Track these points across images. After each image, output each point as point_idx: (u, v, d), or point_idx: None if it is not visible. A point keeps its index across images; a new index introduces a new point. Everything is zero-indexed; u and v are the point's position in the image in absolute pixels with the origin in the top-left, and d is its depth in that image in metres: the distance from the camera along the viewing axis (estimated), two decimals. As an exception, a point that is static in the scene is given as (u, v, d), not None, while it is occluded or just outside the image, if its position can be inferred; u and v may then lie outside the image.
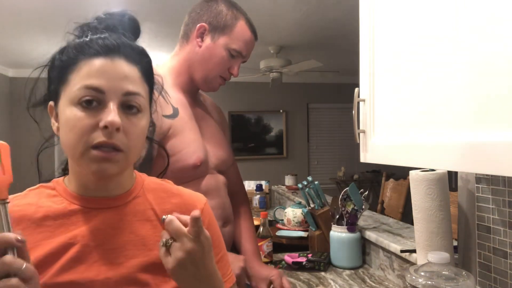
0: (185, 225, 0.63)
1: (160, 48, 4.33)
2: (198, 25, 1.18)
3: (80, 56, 0.66)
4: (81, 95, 0.64)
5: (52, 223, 0.67)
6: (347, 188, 1.55)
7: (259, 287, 1.23)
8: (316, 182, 1.73)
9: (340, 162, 6.52)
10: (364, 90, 1.00)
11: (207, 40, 1.19)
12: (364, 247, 1.57)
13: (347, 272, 1.48)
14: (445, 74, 0.71)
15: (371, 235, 1.51)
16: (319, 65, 4.31)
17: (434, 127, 0.74)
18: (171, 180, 0.83)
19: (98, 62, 0.65)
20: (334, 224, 1.55)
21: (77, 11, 3.12)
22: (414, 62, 0.81)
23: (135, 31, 0.77)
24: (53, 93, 0.69)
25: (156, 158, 1.06)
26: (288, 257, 1.51)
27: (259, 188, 2.65)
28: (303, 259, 1.48)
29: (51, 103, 0.71)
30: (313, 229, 1.69)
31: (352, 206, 1.53)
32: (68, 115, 0.65)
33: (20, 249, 0.55)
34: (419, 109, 0.79)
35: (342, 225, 1.52)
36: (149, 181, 0.79)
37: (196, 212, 0.62)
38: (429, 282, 0.84)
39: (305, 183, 1.75)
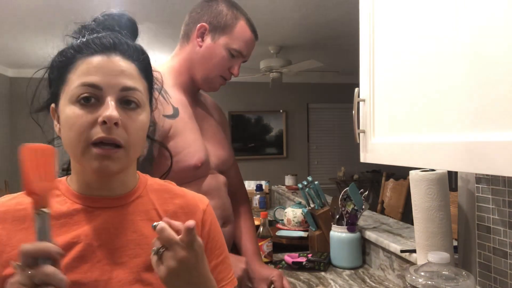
0: (178, 231, 0.62)
1: (160, 48, 4.34)
2: (199, 25, 1.18)
3: (78, 55, 0.67)
4: (79, 93, 0.64)
5: (55, 223, 0.67)
6: (347, 188, 1.55)
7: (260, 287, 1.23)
8: (316, 182, 1.73)
9: (340, 162, 6.52)
10: (364, 90, 1.00)
11: (208, 40, 1.19)
12: (364, 247, 1.57)
13: (347, 272, 1.48)
14: (445, 74, 0.71)
15: (371, 235, 1.51)
16: (319, 65, 4.31)
17: (434, 127, 0.74)
18: (171, 180, 0.83)
19: (94, 60, 0.66)
20: (334, 224, 1.55)
21: (76, 11, 3.12)
22: (414, 62, 0.81)
23: (134, 32, 0.77)
24: (54, 95, 0.70)
25: (158, 159, 1.05)
26: (288, 257, 1.51)
27: (259, 188, 2.65)
28: (303, 259, 1.48)
29: (53, 105, 0.71)
30: (313, 229, 1.69)
31: (352, 206, 1.53)
32: (67, 113, 0.65)
33: (57, 261, 0.55)
34: (419, 109, 0.79)
35: (342, 225, 1.52)
36: (152, 182, 0.79)
37: (190, 222, 0.61)
38: (429, 282, 0.85)
39: (305, 183, 1.75)
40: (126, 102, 0.67)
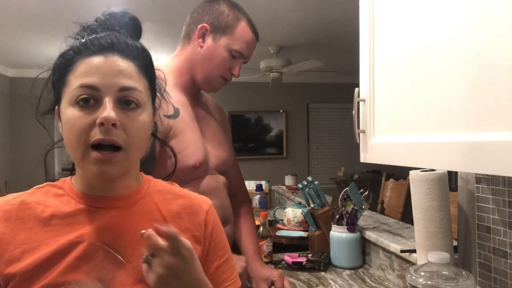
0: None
1: (160, 48, 4.33)
2: (200, 25, 1.19)
3: (77, 57, 0.67)
4: (78, 94, 0.64)
5: (59, 222, 0.67)
6: (347, 188, 1.55)
7: (260, 287, 1.23)
8: (316, 182, 1.73)
9: (340, 162, 6.52)
10: (364, 90, 1.00)
11: (209, 40, 1.19)
12: (364, 247, 1.57)
13: (347, 272, 1.48)
14: (445, 74, 0.71)
15: (371, 235, 1.51)
16: (319, 65, 4.31)
17: (434, 127, 0.74)
18: (163, 178, 0.83)
19: (92, 61, 0.66)
20: (334, 224, 1.55)
21: (77, 11, 3.12)
22: (414, 62, 0.81)
23: (137, 31, 0.77)
24: (57, 97, 0.70)
25: (162, 158, 1.05)
26: (288, 257, 1.51)
27: (259, 188, 2.65)
28: (303, 259, 1.49)
29: (57, 107, 0.71)
30: (313, 229, 1.69)
31: (352, 206, 1.53)
32: (67, 115, 0.65)
33: None
34: (419, 109, 0.79)
35: (342, 225, 1.52)
36: (156, 183, 0.79)
37: (171, 229, 0.61)
38: (429, 282, 0.85)
39: (305, 183, 1.75)
40: (125, 102, 0.66)
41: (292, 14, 3.54)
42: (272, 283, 1.23)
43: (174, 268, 0.61)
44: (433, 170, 1.09)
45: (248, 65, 1.58)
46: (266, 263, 1.50)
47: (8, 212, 0.67)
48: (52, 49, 0.71)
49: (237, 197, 1.37)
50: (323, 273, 1.46)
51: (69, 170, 0.78)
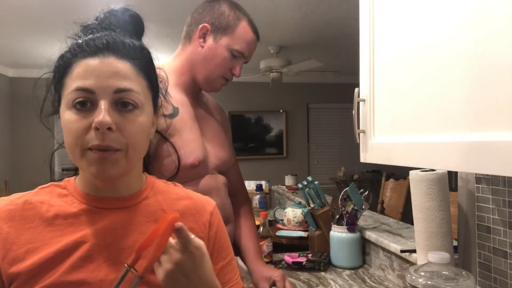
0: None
1: (160, 48, 4.34)
2: (201, 25, 1.19)
3: (73, 59, 0.67)
4: (74, 98, 0.64)
5: (63, 222, 0.67)
6: (347, 188, 1.55)
7: (261, 287, 1.23)
8: (316, 182, 1.73)
9: (340, 162, 6.52)
10: (364, 90, 1.00)
11: (209, 40, 1.19)
12: (364, 247, 1.57)
13: (347, 272, 1.48)
14: (445, 74, 0.71)
15: (371, 235, 1.51)
16: (319, 65, 4.31)
17: (434, 127, 0.74)
18: (167, 179, 0.83)
19: (87, 63, 0.65)
20: (334, 224, 1.55)
21: (77, 11, 3.11)
22: (414, 62, 0.81)
23: (138, 28, 0.76)
24: (58, 100, 0.70)
25: (161, 157, 1.05)
26: (288, 257, 1.51)
27: (259, 188, 2.65)
28: (303, 259, 1.49)
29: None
30: (313, 229, 1.69)
31: (352, 206, 1.53)
32: (65, 118, 0.65)
33: None
34: (419, 109, 0.79)
35: (342, 225, 1.52)
36: (159, 183, 0.79)
37: (178, 224, 0.61)
38: (429, 282, 0.85)
39: (305, 183, 1.75)
40: (122, 104, 0.65)
41: (292, 14, 3.55)
42: (274, 283, 1.23)
43: (181, 265, 0.61)
44: (433, 170, 1.09)
45: (248, 65, 1.59)
46: (266, 263, 1.50)
47: (12, 211, 0.67)
48: (52, 49, 0.71)
49: (237, 197, 1.37)
50: (323, 273, 1.46)
51: (73, 170, 0.78)
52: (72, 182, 0.73)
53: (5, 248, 0.64)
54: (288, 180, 3.12)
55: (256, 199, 2.61)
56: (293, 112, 6.62)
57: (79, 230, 0.67)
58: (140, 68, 0.69)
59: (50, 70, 0.71)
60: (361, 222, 1.68)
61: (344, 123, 6.64)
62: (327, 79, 6.37)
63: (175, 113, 1.13)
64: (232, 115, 6.24)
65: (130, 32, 0.73)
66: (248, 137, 6.43)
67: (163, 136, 1.01)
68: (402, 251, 1.28)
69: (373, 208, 2.70)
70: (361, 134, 1.01)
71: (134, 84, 0.67)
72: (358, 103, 1.01)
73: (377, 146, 0.95)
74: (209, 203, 0.80)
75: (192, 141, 1.14)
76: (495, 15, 0.59)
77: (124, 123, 0.65)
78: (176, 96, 1.15)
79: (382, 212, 3.23)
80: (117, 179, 0.69)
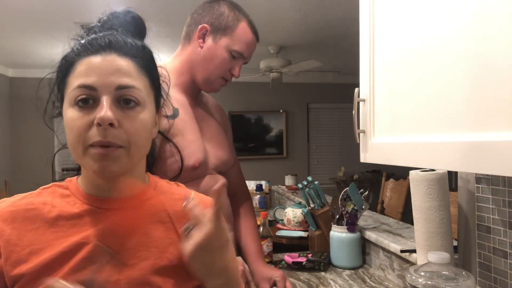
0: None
1: (160, 48, 4.31)
2: (200, 26, 1.19)
3: (76, 58, 0.67)
4: (76, 95, 0.64)
5: (65, 223, 0.67)
6: (347, 188, 1.55)
7: (262, 287, 1.23)
8: (316, 182, 1.73)
9: (340, 162, 6.52)
10: (364, 90, 1.00)
11: (209, 41, 1.19)
12: (364, 247, 1.57)
13: (347, 272, 1.48)
14: (445, 74, 0.71)
15: (371, 235, 1.51)
16: (319, 65, 4.31)
17: (434, 127, 0.74)
18: (170, 179, 0.83)
19: (89, 61, 0.66)
20: (334, 224, 1.55)
21: (77, 11, 3.12)
22: (414, 62, 0.81)
23: (140, 30, 0.76)
24: (61, 100, 0.70)
25: (163, 157, 1.05)
26: (288, 257, 1.51)
27: (259, 188, 2.65)
28: (303, 259, 1.49)
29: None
30: (313, 229, 1.69)
31: (352, 206, 1.53)
32: (67, 116, 0.65)
33: None
34: (419, 109, 0.79)
35: (342, 225, 1.52)
36: (162, 183, 0.79)
37: (217, 185, 0.62)
38: (429, 282, 0.85)
39: (305, 183, 1.75)
40: (124, 101, 0.65)
41: (292, 14, 3.55)
42: (274, 283, 1.23)
43: (211, 239, 0.62)
44: (433, 170, 1.09)
45: (248, 65, 1.59)
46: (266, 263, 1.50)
47: (14, 213, 0.67)
48: (52, 49, 0.72)
49: (238, 196, 1.37)
50: (323, 273, 1.46)
51: (73, 170, 0.78)
52: (74, 182, 0.72)
53: (8, 250, 0.64)
54: (288, 180, 3.12)
55: (256, 199, 2.61)
56: (293, 112, 6.62)
57: (82, 231, 0.67)
58: (142, 66, 0.69)
59: (53, 71, 0.71)
60: (361, 222, 1.68)
61: (344, 123, 6.64)
62: (327, 79, 6.37)
63: (175, 114, 1.13)
64: (232, 115, 6.24)
65: (132, 33, 0.73)
66: (248, 137, 6.43)
67: (165, 137, 1.01)
68: (402, 251, 1.28)
69: (373, 208, 2.70)
70: (361, 134, 1.01)
71: (136, 81, 0.67)
72: (358, 103, 1.01)
73: (377, 146, 0.95)
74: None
75: (192, 142, 1.14)
76: (495, 15, 0.59)
77: (126, 119, 0.65)
78: (175, 97, 1.15)
79: (382, 212, 3.23)
80: (119, 177, 0.68)
